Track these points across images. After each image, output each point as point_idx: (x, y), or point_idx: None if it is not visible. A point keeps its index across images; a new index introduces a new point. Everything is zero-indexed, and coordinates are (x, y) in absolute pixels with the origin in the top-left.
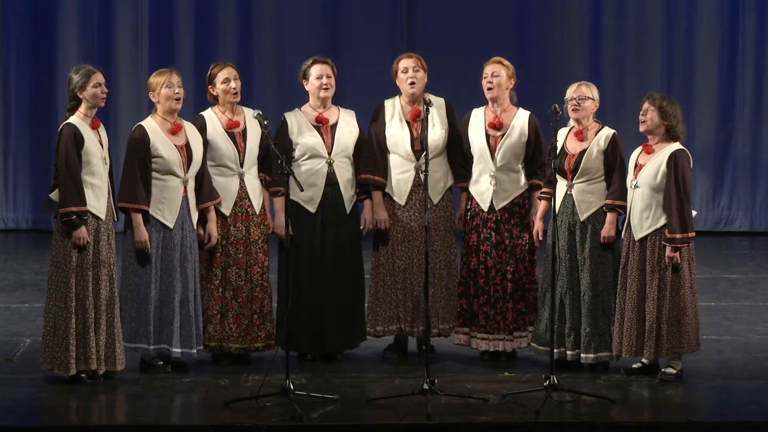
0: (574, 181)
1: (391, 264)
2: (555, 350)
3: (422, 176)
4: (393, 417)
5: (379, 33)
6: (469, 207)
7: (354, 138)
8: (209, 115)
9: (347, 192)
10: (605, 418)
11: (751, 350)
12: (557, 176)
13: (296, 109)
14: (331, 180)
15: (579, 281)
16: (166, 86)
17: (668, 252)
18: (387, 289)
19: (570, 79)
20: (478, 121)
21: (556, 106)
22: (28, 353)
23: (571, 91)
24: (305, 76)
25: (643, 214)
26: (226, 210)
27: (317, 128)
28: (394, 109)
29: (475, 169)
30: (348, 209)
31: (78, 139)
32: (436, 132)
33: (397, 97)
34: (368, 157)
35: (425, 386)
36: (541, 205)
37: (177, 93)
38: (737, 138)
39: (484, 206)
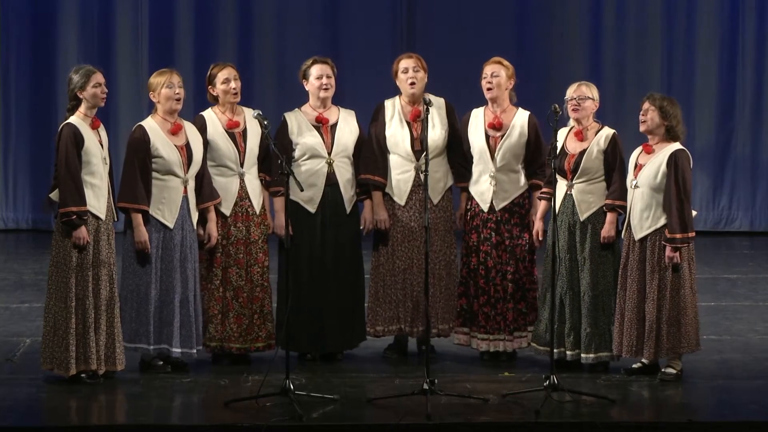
0: (574, 181)
1: (391, 264)
2: (555, 350)
3: (422, 176)
4: (393, 417)
5: (379, 33)
6: (469, 207)
7: (354, 138)
8: (209, 115)
9: (347, 192)
10: (605, 418)
11: (751, 350)
12: (557, 176)
13: (296, 109)
14: (331, 180)
15: (579, 281)
16: (166, 86)
17: (668, 252)
18: (387, 290)
19: (570, 79)
20: (477, 122)
21: (556, 106)
22: (28, 353)
23: (571, 91)
24: (305, 76)
25: (643, 214)
26: (227, 210)
27: (317, 128)
28: (394, 110)
29: (475, 169)
30: (348, 209)
31: (78, 139)
32: (436, 132)
33: (397, 97)
34: (368, 158)
35: (425, 386)
36: (541, 205)
37: (177, 93)
38: (737, 138)
39: (484, 206)
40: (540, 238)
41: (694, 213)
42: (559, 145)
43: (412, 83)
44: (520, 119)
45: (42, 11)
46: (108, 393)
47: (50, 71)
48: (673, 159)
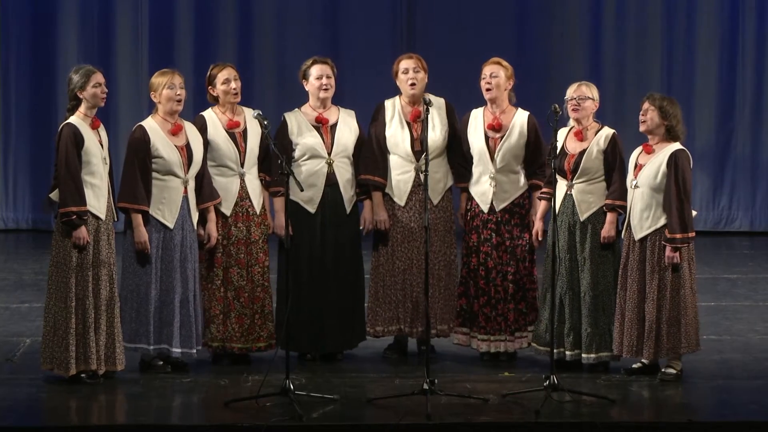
0: (574, 181)
1: (390, 264)
2: (555, 350)
3: (422, 177)
4: (393, 417)
5: (379, 33)
6: (469, 207)
7: (354, 138)
8: (210, 115)
9: (347, 192)
10: (605, 418)
11: (751, 350)
12: (557, 176)
13: (296, 109)
14: (331, 180)
15: (579, 281)
16: (167, 87)
17: (668, 252)
18: (387, 290)
19: (570, 79)
20: (477, 123)
21: (556, 106)
22: (28, 353)
23: (571, 91)
24: (305, 77)
25: (643, 214)
26: (227, 210)
27: (317, 128)
28: (394, 110)
29: (475, 170)
30: (348, 209)
31: (78, 139)
32: (437, 132)
33: (398, 97)
34: (368, 158)
35: (425, 386)
36: (541, 206)
37: (179, 94)
38: (737, 138)
39: (485, 207)
40: (540, 238)
41: (694, 213)
42: (559, 145)
43: (413, 84)
44: (519, 120)
45: (42, 11)
46: (108, 393)
47: (50, 71)
48: (673, 159)
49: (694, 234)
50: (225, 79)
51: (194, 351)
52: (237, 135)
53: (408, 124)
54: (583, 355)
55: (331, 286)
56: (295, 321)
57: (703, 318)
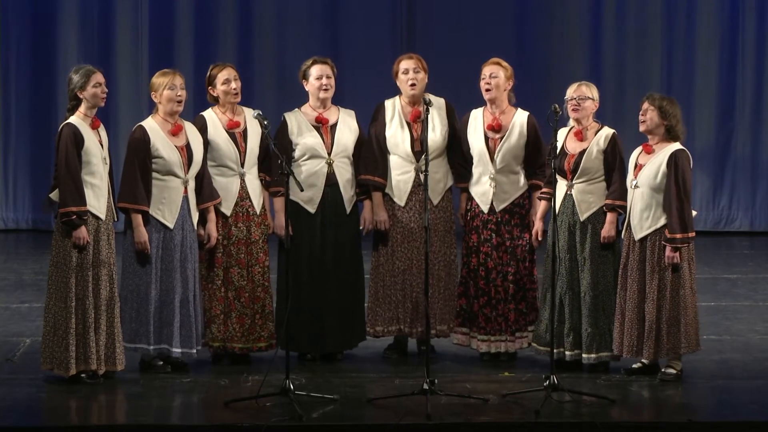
0: (574, 181)
1: (390, 265)
2: (554, 350)
3: (422, 177)
4: (393, 417)
5: (379, 33)
6: (469, 208)
7: (354, 138)
8: (210, 115)
9: (347, 192)
10: (605, 418)
11: (751, 350)
12: (557, 176)
13: (296, 109)
14: (331, 180)
15: (579, 281)
16: (168, 88)
17: (668, 252)
18: (386, 290)
19: (570, 79)
20: (477, 124)
21: (556, 106)
22: (28, 353)
23: (571, 91)
24: (305, 77)
25: (643, 214)
26: (227, 210)
27: (317, 128)
28: (394, 110)
29: (475, 170)
30: (348, 209)
31: (78, 139)
32: (437, 133)
33: (398, 97)
34: (368, 158)
35: (425, 386)
36: (541, 206)
37: (179, 96)
38: (737, 138)
39: (485, 208)
40: (539, 238)
41: (694, 213)
42: (559, 145)
43: (413, 84)
44: (519, 120)
45: (42, 11)
46: (108, 393)
47: (50, 71)
48: (673, 159)
49: (694, 234)
50: (225, 80)
51: (194, 351)
52: (237, 135)
53: (408, 124)
54: (584, 355)
55: (331, 286)
56: (295, 321)
57: (703, 318)
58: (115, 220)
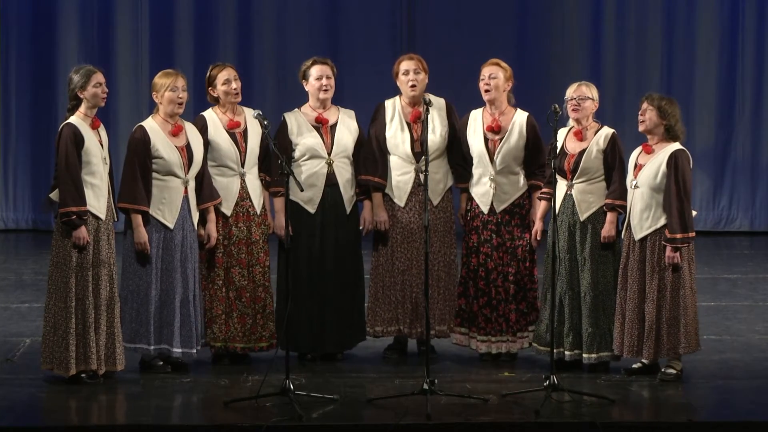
0: (573, 181)
1: (390, 265)
2: (554, 350)
3: (422, 177)
4: (393, 417)
5: (379, 33)
6: (469, 208)
7: (354, 138)
8: (210, 115)
9: (347, 192)
10: (605, 418)
11: (751, 350)
12: (557, 176)
13: (296, 109)
14: (331, 180)
15: (579, 281)
16: (170, 90)
17: (668, 252)
18: (386, 290)
19: (570, 79)
20: (476, 125)
21: (556, 106)
22: (28, 353)
23: (571, 91)
24: (305, 77)
25: (643, 214)
26: (228, 210)
27: (317, 129)
28: (394, 110)
29: (475, 171)
30: (348, 210)
31: (78, 139)
32: (437, 133)
33: (398, 97)
34: (368, 158)
35: (425, 386)
36: (541, 206)
37: (180, 97)
38: (737, 138)
39: (485, 208)
40: (538, 238)
41: (694, 213)
42: (559, 145)
43: (413, 86)
44: (518, 121)
45: (42, 11)
46: (108, 393)
47: (50, 71)
48: (673, 159)
49: (694, 234)
50: (225, 80)
51: (194, 351)
52: (237, 135)
53: (408, 124)
54: (584, 355)
55: (330, 286)
56: (295, 321)
57: (703, 318)
58: (115, 220)
